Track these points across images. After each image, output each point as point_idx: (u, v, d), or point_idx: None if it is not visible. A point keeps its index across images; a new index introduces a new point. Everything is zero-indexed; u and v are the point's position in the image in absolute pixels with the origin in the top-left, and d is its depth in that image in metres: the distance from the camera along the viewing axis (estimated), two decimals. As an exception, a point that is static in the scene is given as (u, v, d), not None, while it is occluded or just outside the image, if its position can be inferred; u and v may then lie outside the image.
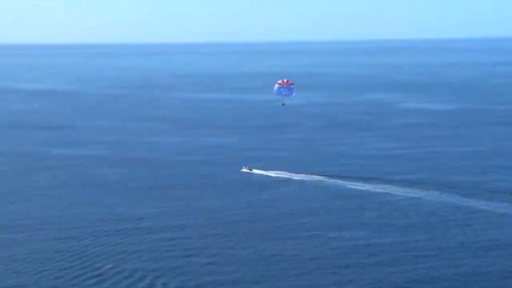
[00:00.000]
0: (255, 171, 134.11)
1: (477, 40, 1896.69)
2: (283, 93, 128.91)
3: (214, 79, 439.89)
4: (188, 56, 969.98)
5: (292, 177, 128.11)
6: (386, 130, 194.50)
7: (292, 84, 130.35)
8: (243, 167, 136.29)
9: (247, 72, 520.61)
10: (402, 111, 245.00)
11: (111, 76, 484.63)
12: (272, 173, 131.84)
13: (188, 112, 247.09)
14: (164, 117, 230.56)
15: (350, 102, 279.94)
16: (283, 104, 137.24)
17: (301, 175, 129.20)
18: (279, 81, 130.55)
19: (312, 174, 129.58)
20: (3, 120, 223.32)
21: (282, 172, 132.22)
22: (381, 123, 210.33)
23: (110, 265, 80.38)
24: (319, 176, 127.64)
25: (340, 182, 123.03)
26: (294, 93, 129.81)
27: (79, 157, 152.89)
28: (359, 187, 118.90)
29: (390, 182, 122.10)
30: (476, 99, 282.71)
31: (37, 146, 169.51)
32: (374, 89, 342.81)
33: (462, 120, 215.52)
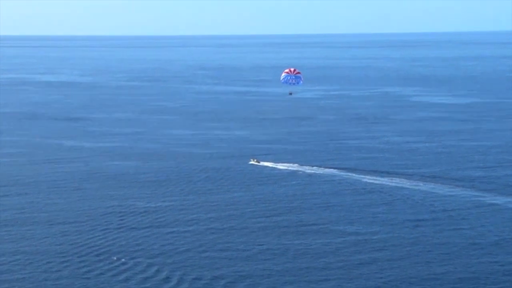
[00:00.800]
0: (263, 163, 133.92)
1: (495, 33, 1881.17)
2: (290, 81, 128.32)
3: (226, 72, 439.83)
4: (204, 49, 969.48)
5: (302, 170, 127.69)
6: (399, 124, 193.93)
7: (300, 73, 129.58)
8: (251, 159, 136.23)
9: (258, 64, 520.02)
10: (416, 104, 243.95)
11: (126, 68, 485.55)
12: (281, 166, 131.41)
13: (201, 105, 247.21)
14: (177, 110, 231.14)
15: (363, 95, 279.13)
16: (290, 94, 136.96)
17: (313, 168, 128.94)
18: (286, 70, 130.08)
19: (323, 167, 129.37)
20: (19, 112, 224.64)
21: (292, 164, 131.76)
22: (394, 116, 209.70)
23: (123, 259, 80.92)
24: (331, 169, 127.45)
25: (352, 175, 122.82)
26: (301, 82, 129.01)
27: (93, 150, 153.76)
28: (372, 181, 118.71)
29: (403, 176, 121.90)
30: (490, 93, 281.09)
31: (52, 138, 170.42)
32: (388, 82, 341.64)
33: (477, 114, 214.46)
